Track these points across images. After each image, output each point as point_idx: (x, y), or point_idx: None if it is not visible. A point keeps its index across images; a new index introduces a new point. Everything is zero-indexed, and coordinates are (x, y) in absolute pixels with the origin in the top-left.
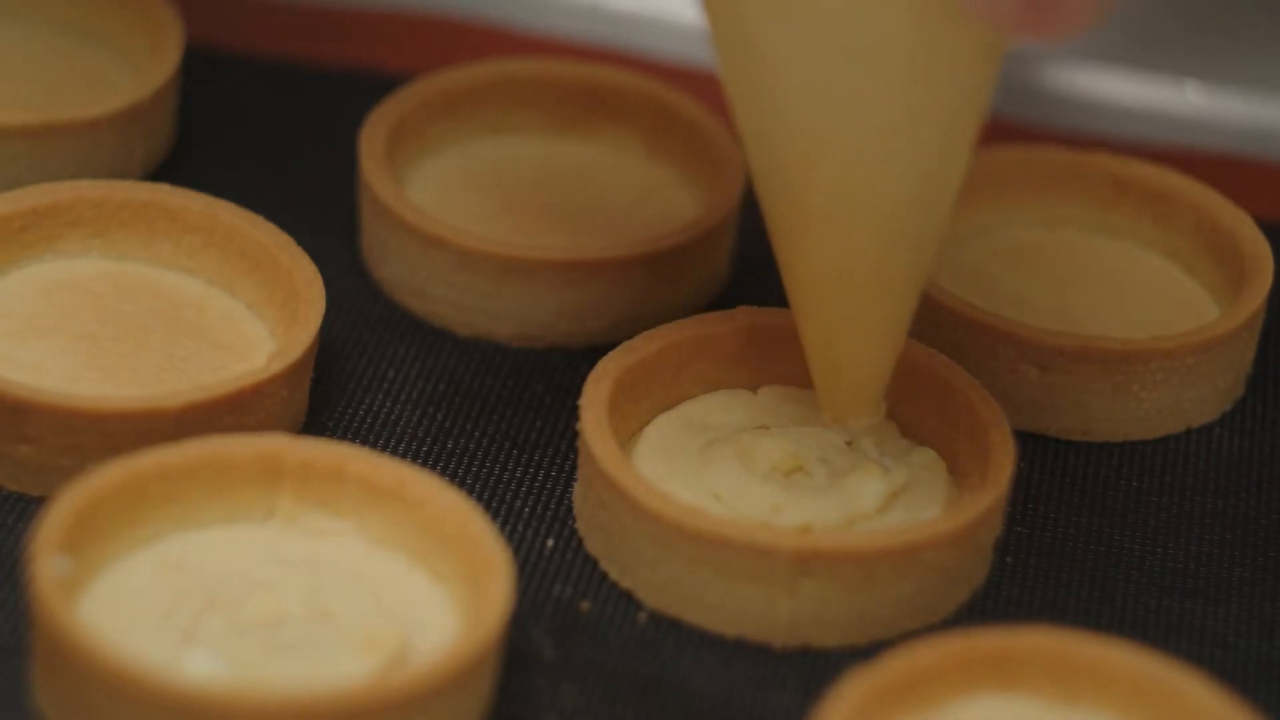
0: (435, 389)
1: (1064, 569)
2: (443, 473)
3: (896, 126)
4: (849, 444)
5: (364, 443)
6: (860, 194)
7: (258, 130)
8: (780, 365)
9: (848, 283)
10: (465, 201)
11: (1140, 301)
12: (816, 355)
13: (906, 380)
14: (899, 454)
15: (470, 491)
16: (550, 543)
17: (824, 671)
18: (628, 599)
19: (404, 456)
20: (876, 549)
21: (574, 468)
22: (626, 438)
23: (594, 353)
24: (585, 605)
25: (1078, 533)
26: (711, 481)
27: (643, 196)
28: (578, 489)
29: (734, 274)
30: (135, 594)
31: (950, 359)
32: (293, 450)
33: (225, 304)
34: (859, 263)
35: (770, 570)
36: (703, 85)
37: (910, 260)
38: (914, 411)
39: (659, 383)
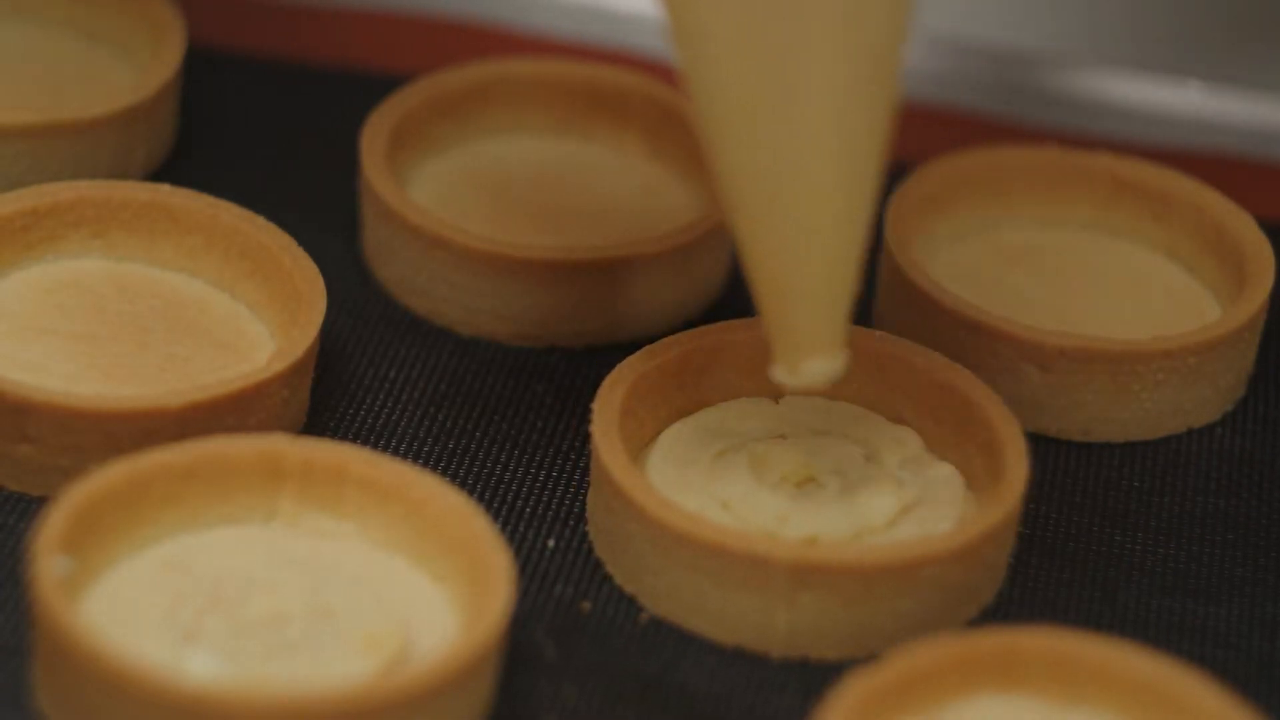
0: (436, 389)
1: (1065, 569)
2: (444, 473)
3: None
4: (867, 457)
5: (365, 443)
6: (792, 75)
7: (259, 130)
8: None
9: (787, 177)
10: (466, 201)
11: (1141, 301)
12: (763, 284)
13: (928, 394)
14: (918, 468)
15: (471, 492)
16: (551, 543)
17: (824, 674)
18: (629, 599)
19: (405, 457)
20: (874, 564)
21: (575, 468)
22: (643, 442)
23: (594, 353)
24: (586, 605)
25: (1079, 533)
26: (721, 490)
27: (643, 196)
28: (590, 493)
29: (734, 274)
30: (136, 594)
31: (957, 362)
32: (294, 451)
33: (226, 304)
34: (797, 152)
35: (768, 581)
36: None
37: (851, 144)
38: (935, 426)
39: (679, 388)
